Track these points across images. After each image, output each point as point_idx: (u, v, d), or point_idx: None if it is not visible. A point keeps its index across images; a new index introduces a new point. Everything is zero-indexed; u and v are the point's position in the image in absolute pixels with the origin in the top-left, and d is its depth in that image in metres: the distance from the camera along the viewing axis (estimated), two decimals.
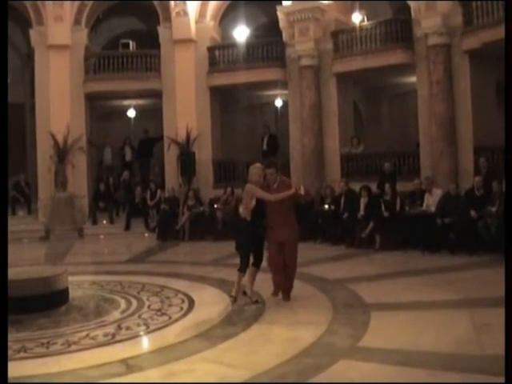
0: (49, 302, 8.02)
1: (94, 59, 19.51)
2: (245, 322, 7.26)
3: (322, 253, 13.14)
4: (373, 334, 6.63)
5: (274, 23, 18.70)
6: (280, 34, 18.39)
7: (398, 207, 13.71)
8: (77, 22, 19.16)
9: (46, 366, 6.08)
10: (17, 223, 18.41)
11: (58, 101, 18.74)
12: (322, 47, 17.70)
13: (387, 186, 14.15)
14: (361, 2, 18.45)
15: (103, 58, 19.40)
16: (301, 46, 17.68)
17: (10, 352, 6.49)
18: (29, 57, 20.71)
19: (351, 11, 18.36)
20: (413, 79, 16.99)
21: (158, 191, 18.10)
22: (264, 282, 8.61)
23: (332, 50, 17.60)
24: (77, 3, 19.04)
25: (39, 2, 18.65)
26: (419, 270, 10.53)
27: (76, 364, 6.05)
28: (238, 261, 8.48)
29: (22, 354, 6.45)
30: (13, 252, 15.27)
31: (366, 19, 17.91)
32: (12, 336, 7.09)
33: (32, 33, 18.97)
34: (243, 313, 7.76)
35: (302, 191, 8.50)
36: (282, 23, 18.13)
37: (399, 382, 5.22)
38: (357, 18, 17.98)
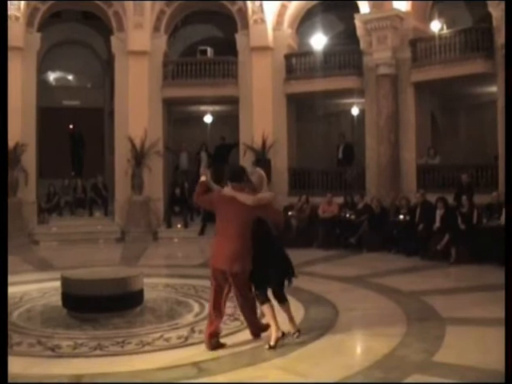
0: (124, 302, 8.15)
1: (172, 65, 19.81)
2: (317, 332, 7.20)
3: (396, 264, 12.97)
4: (447, 350, 6.48)
5: (351, 31, 18.59)
6: (357, 42, 18.27)
7: (475, 220, 13.42)
8: (156, 29, 19.49)
9: (119, 364, 6.23)
10: (94, 224, 18.93)
11: (137, 106, 19.07)
12: (400, 56, 17.48)
13: (464, 198, 13.87)
14: (440, 10, 18.16)
15: (181, 65, 19.66)
16: (378, 54, 17.51)
17: (85, 349, 6.71)
18: (109, 63, 21.19)
19: (430, 19, 18.11)
20: (492, 89, 16.61)
21: None
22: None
23: (410, 58, 17.36)
24: (156, 11, 19.37)
25: (121, 11, 19.06)
26: (495, 285, 10.21)
27: (148, 365, 6.15)
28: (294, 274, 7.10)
29: (97, 352, 6.62)
30: (89, 252, 15.90)
31: (445, 27, 17.63)
32: (88, 334, 7.31)
33: (113, 39, 19.39)
34: (315, 322, 7.71)
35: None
36: (360, 31, 18.01)
37: None
38: (436, 26, 17.74)
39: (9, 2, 17.16)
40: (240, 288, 6.60)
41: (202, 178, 6.81)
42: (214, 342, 6.58)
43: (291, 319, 6.97)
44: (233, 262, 6.46)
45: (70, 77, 23.53)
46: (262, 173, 6.83)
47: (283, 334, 6.68)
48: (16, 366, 6.16)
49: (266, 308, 6.67)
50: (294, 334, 6.87)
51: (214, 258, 6.68)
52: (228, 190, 6.61)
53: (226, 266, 6.50)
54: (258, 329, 6.94)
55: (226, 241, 6.53)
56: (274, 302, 6.83)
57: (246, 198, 6.47)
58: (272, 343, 6.52)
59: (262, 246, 6.60)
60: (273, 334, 6.58)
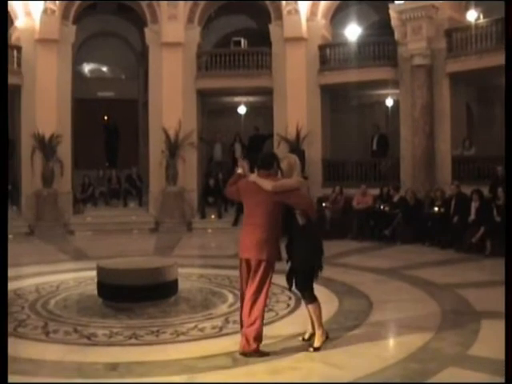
0: (159, 292, 8.21)
1: (205, 56, 19.85)
2: (351, 323, 7.21)
3: (430, 256, 12.88)
4: (483, 343, 6.44)
5: (385, 22, 18.46)
6: (392, 32, 18.12)
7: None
8: (190, 20, 19.51)
9: (154, 353, 6.29)
10: (128, 214, 19.10)
11: (171, 97, 19.14)
12: (435, 46, 17.30)
13: (500, 190, 13.69)
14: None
15: (215, 56, 19.69)
16: (413, 44, 17.34)
17: (121, 338, 6.80)
18: (143, 55, 21.29)
19: (466, 9, 17.87)
20: None
21: None
22: None
23: (445, 49, 17.18)
24: (190, 3, 19.38)
25: (155, 2, 19.13)
26: None
27: (183, 354, 6.19)
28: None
29: (132, 341, 6.70)
30: (123, 242, 16.05)
31: (481, 17, 17.39)
32: (123, 323, 7.40)
33: (147, 31, 19.46)
34: (350, 313, 7.70)
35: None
36: (394, 22, 17.86)
37: None
38: (472, 15, 17.48)
39: None
40: (261, 278, 6.17)
41: (239, 170, 6.55)
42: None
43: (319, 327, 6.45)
44: (257, 251, 6.15)
45: (105, 68, 23.74)
46: (293, 159, 6.47)
47: (327, 336, 6.48)
48: (53, 353, 6.29)
49: (313, 307, 6.36)
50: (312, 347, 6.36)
51: (240, 248, 6.36)
52: (253, 177, 6.34)
53: (251, 255, 6.22)
54: (253, 330, 6.11)
55: (250, 229, 6.25)
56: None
57: (265, 184, 6.15)
58: (317, 345, 6.26)
59: (292, 235, 6.37)
60: (317, 336, 6.33)
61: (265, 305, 6.27)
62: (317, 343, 6.27)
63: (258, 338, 6.11)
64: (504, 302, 4.92)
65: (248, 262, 6.28)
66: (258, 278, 6.15)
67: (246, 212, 6.42)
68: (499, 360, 5.81)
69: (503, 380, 5.34)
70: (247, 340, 6.07)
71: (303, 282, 6.32)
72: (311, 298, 6.35)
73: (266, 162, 6.33)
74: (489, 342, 6.50)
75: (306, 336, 6.54)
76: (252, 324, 6.11)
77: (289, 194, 6.15)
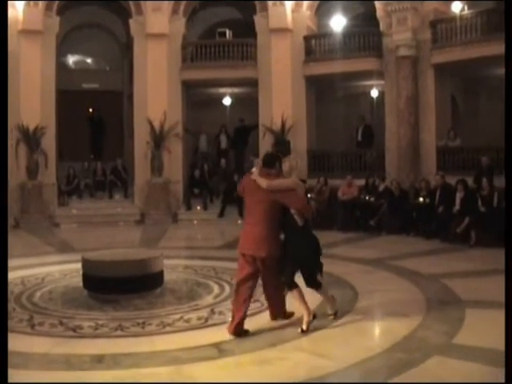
0: (144, 283, 8.21)
1: (190, 48, 19.76)
2: (338, 313, 7.22)
3: (415, 247, 12.94)
4: (467, 332, 6.50)
5: (371, 13, 18.47)
6: (377, 23, 18.14)
7: (495, 203, 13.33)
8: (174, 11, 19.40)
9: (140, 345, 6.28)
10: (113, 206, 19.05)
11: (156, 88, 19.06)
12: (420, 37, 17.34)
13: (484, 180, 13.78)
14: None
15: (200, 47, 19.61)
16: (398, 35, 17.38)
17: (106, 330, 6.80)
18: (127, 46, 21.17)
19: (451, 0, 17.89)
20: None
21: None
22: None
23: (430, 40, 17.21)
24: None
25: None
26: None
27: (169, 345, 6.21)
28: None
29: (118, 332, 6.71)
30: (109, 234, 16.01)
31: (466, 8, 17.42)
32: (109, 314, 7.40)
33: (131, 22, 19.33)
34: (336, 303, 7.72)
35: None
36: (380, 13, 17.89)
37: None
38: (457, 7, 17.50)
39: None
40: (267, 271, 6.59)
41: (253, 170, 6.79)
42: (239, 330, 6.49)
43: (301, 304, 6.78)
44: (258, 247, 6.45)
45: (89, 60, 23.62)
46: (294, 162, 6.80)
47: (314, 316, 6.74)
48: (39, 346, 6.27)
49: (294, 292, 6.66)
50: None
51: (241, 244, 6.69)
52: (254, 175, 6.61)
53: (252, 251, 6.51)
54: (280, 312, 6.94)
55: (251, 226, 6.57)
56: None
57: (261, 182, 6.44)
58: (304, 327, 6.52)
59: (287, 234, 6.66)
60: (305, 318, 6.59)
61: (280, 288, 6.76)
62: (304, 325, 6.56)
63: (287, 315, 6.92)
64: (504, 294, 4.93)
65: (246, 256, 6.59)
66: (267, 273, 6.60)
67: (246, 209, 6.82)
68: (484, 348, 5.89)
69: (490, 367, 5.41)
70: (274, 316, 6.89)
71: (281, 268, 6.63)
72: (288, 285, 6.66)
73: (268, 161, 6.66)
74: (473, 330, 6.57)
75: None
76: (277, 306, 6.90)
77: (284, 194, 6.40)
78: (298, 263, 6.64)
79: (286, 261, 6.58)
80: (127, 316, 7.31)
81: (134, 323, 6.99)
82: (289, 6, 18.81)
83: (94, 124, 21.90)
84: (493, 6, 16.92)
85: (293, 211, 6.53)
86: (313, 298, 7.09)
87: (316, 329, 6.60)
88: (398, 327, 6.69)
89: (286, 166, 6.61)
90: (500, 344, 5.96)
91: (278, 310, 6.97)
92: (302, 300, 6.65)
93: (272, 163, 6.61)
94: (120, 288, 8.03)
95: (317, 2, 19.67)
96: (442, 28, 17.05)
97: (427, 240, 13.72)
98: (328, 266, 8.82)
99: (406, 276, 9.51)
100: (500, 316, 7.16)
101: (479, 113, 19.93)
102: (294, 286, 6.66)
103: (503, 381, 4.51)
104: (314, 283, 6.79)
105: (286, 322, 6.85)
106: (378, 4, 17.73)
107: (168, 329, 6.82)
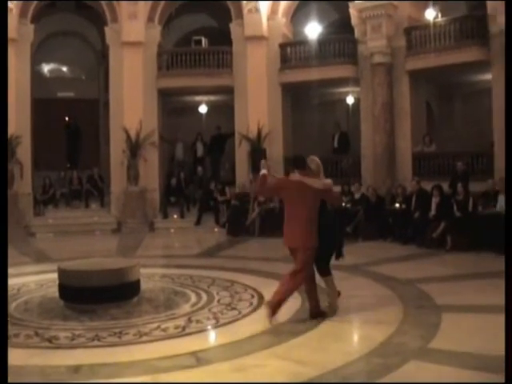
0: (121, 293, 8.16)
1: (166, 55, 19.76)
2: (315, 320, 7.23)
3: (392, 252, 13.01)
4: (444, 336, 6.52)
5: (345, 20, 18.57)
6: (352, 30, 18.26)
7: (470, 208, 13.45)
8: (150, 19, 19.41)
9: (118, 355, 6.22)
10: (90, 215, 18.97)
11: (131, 96, 19.03)
12: (395, 44, 17.47)
13: (459, 185, 13.90)
14: None
15: (176, 55, 19.61)
16: (373, 42, 17.49)
17: (83, 340, 6.72)
18: (103, 54, 21.12)
19: (424, 7, 18.02)
20: (487, 77, 16.61)
21: (226, 188, 18.35)
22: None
23: (405, 47, 17.34)
24: (150, 1, 19.27)
25: (115, 2, 18.99)
26: (491, 273, 10.27)
27: (146, 355, 6.15)
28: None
29: (95, 343, 6.62)
30: (86, 243, 15.91)
31: (439, 16, 17.59)
32: (86, 325, 7.32)
33: (107, 30, 19.31)
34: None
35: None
36: (354, 20, 18.00)
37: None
38: (430, 14, 17.65)
39: None
40: (309, 262, 7.17)
41: (264, 171, 7.29)
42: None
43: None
44: (304, 240, 7.07)
45: (65, 68, 23.47)
46: (318, 160, 7.51)
47: (339, 293, 7.80)
48: (15, 357, 6.16)
49: (329, 279, 7.57)
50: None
51: (287, 238, 7.25)
52: (296, 176, 7.21)
53: (299, 244, 7.09)
54: (315, 306, 7.37)
55: (296, 222, 7.12)
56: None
57: (314, 182, 7.14)
58: (330, 312, 7.45)
59: (324, 225, 7.24)
60: (332, 305, 7.59)
61: (301, 284, 7.30)
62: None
63: (320, 313, 7.36)
64: (505, 298, 4.95)
65: (293, 250, 7.21)
66: (301, 261, 7.09)
67: (289, 207, 7.27)
68: (460, 352, 5.93)
69: (466, 371, 5.45)
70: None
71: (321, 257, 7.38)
72: (325, 273, 7.57)
73: (301, 163, 7.35)
74: (449, 335, 6.60)
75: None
76: (313, 299, 7.36)
77: (329, 192, 7.35)
78: (331, 251, 7.51)
79: (322, 250, 7.23)
80: (104, 326, 7.24)
81: (110, 333, 6.92)
82: (264, 13, 18.88)
83: (70, 132, 21.78)
84: (466, 14, 17.15)
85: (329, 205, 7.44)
86: (292, 303, 7.10)
87: (293, 335, 6.60)
88: (375, 333, 6.71)
89: (314, 165, 7.39)
90: (476, 348, 6.04)
91: (315, 305, 7.40)
92: (333, 287, 7.61)
93: (304, 165, 7.29)
94: (96, 297, 7.96)
95: (292, 9, 19.76)
96: (416, 35, 17.19)
97: (404, 245, 13.80)
98: None
99: (382, 281, 9.54)
100: (475, 320, 7.26)
101: (454, 118, 20.10)
102: (329, 272, 7.56)
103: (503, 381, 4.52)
104: (326, 270, 7.55)
105: (262, 330, 6.83)
106: (352, 11, 17.82)
107: (145, 338, 6.77)
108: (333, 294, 7.66)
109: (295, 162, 7.45)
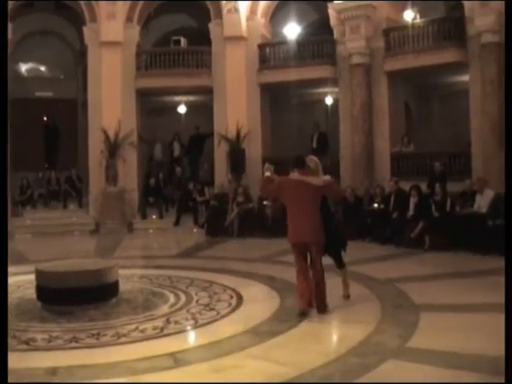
0: (99, 294, 8.12)
1: (145, 56, 19.69)
2: (293, 320, 7.24)
3: (370, 252, 13.02)
4: (422, 335, 6.56)
5: (324, 21, 18.62)
6: (331, 31, 18.31)
7: (448, 207, 13.53)
8: (129, 19, 19.35)
9: (96, 356, 6.19)
10: (68, 216, 18.85)
11: (110, 96, 18.95)
12: (374, 45, 17.55)
13: (437, 185, 13.98)
14: None
15: (154, 55, 19.55)
16: (352, 43, 17.55)
17: (61, 342, 6.69)
18: (81, 53, 21.02)
19: (403, 9, 18.14)
20: (465, 78, 16.74)
21: (205, 188, 18.32)
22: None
23: (383, 48, 17.43)
24: (129, 1, 19.22)
25: (93, 2, 18.90)
26: (469, 272, 10.37)
27: (125, 356, 6.14)
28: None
29: (72, 344, 6.59)
30: (64, 244, 15.80)
31: (418, 17, 17.70)
32: (63, 326, 7.27)
33: (85, 30, 19.23)
34: (291, 310, 7.73)
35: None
36: (333, 21, 18.04)
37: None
38: (409, 15, 17.77)
39: None
40: (319, 255, 7.64)
41: (267, 174, 7.68)
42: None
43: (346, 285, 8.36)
44: (313, 234, 7.51)
45: (43, 68, 23.30)
46: (316, 159, 7.85)
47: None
48: None
49: (344, 270, 8.29)
50: (344, 296, 8.28)
51: (294, 234, 7.58)
52: (296, 175, 7.61)
53: (308, 239, 7.51)
54: (322, 300, 7.62)
55: (301, 218, 7.51)
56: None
57: (315, 180, 7.52)
58: (347, 296, 8.25)
59: (327, 220, 7.69)
60: (345, 292, 8.32)
61: (323, 271, 7.78)
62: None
63: (324, 307, 7.65)
64: (505, 298, 4.97)
65: (300, 245, 7.59)
66: (317, 256, 7.63)
67: (290, 205, 7.66)
68: (438, 351, 5.96)
69: (444, 370, 5.48)
70: (322, 301, 7.61)
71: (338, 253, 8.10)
72: (341, 264, 8.24)
73: (301, 162, 7.68)
74: (427, 334, 6.64)
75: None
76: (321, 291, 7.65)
77: (330, 188, 7.75)
78: (339, 244, 8.03)
79: (330, 244, 7.75)
80: (82, 327, 7.20)
81: (88, 334, 6.88)
82: (243, 13, 18.89)
83: (49, 133, 21.62)
84: (444, 15, 17.27)
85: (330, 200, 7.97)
86: (271, 303, 7.09)
87: (271, 336, 6.61)
88: (353, 332, 6.74)
89: (312, 164, 7.71)
90: (454, 346, 6.08)
91: (323, 300, 7.64)
92: (346, 277, 8.30)
93: (303, 164, 7.63)
94: (74, 299, 7.91)
95: (271, 9, 19.78)
96: (394, 36, 17.28)
97: (382, 245, 13.84)
98: (282, 272, 8.92)
99: (361, 281, 9.55)
100: (453, 319, 7.31)
101: (432, 119, 20.24)
102: (343, 264, 8.22)
103: (503, 381, 4.53)
104: (341, 263, 8.19)
105: (241, 330, 6.84)
106: (331, 12, 17.87)
107: (123, 339, 6.74)
108: (347, 284, 8.35)
109: (296, 161, 7.71)
